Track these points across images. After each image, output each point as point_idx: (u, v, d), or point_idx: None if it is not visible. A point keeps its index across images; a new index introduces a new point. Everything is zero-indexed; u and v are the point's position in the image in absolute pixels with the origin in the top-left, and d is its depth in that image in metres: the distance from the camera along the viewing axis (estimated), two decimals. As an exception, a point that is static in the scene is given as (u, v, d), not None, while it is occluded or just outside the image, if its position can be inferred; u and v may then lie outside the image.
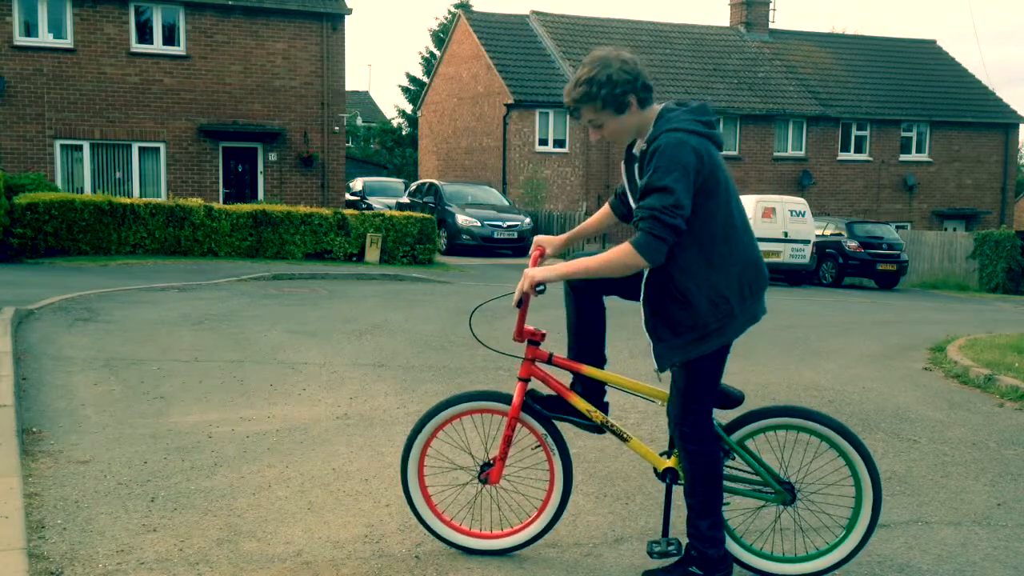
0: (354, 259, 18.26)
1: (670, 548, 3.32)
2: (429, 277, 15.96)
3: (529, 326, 3.42)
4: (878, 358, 9.05)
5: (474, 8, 37.95)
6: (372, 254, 18.24)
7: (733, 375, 7.61)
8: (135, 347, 7.56)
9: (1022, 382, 7.29)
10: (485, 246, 22.05)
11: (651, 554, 3.33)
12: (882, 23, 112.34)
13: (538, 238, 3.52)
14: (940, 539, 4.00)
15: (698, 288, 3.12)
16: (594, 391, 3.52)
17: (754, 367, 8.01)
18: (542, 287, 3.15)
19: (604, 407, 3.53)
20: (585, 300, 3.46)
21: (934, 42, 37.92)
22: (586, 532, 3.89)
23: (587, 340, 3.50)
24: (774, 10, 35.61)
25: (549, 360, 3.44)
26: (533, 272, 3.14)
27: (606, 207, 3.63)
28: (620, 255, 3.04)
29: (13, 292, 10.29)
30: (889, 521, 4.17)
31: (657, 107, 3.20)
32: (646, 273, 3.22)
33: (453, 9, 43.41)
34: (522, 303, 3.25)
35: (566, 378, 3.54)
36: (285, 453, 4.82)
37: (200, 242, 17.26)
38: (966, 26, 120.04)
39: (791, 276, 21.10)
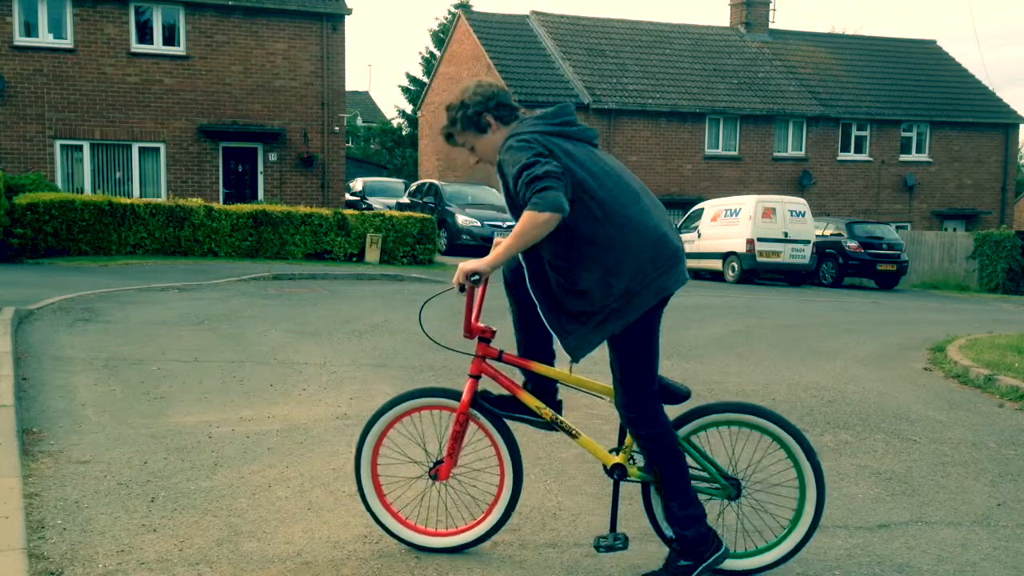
0: (354, 259, 18.26)
1: (616, 543, 3.35)
2: (429, 277, 15.96)
3: (481, 323, 3.44)
4: (878, 358, 9.05)
5: (474, 8, 37.94)
6: (372, 254, 18.24)
7: (733, 375, 7.64)
8: (135, 347, 7.56)
9: (1022, 382, 7.29)
10: (485, 246, 21.99)
11: (597, 548, 3.36)
12: (882, 23, 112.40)
13: (497, 240, 3.53)
14: (940, 539, 4.00)
15: (588, 273, 3.17)
16: (545, 389, 3.54)
17: (754, 367, 8.01)
18: (476, 276, 3.18)
19: (557, 405, 3.56)
20: (520, 293, 3.48)
21: (934, 42, 37.90)
22: (586, 532, 3.88)
23: (532, 335, 3.51)
24: (774, 10, 35.60)
25: (499, 357, 3.47)
26: (464, 264, 3.18)
27: None
28: (526, 221, 3.04)
29: (13, 292, 10.29)
30: (889, 521, 4.17)
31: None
32: (527, 272, 3.30)
33: (453, 9, 43.42)
34: (464, 293, 3.27)
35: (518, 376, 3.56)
36: (285, 453, 4.82)
37: (200, 242, 17.26)
38: (966, 26, 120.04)
39: (791, 276, 21.11)
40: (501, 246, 3.14)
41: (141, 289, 11.58)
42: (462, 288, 3.23)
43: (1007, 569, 3.70)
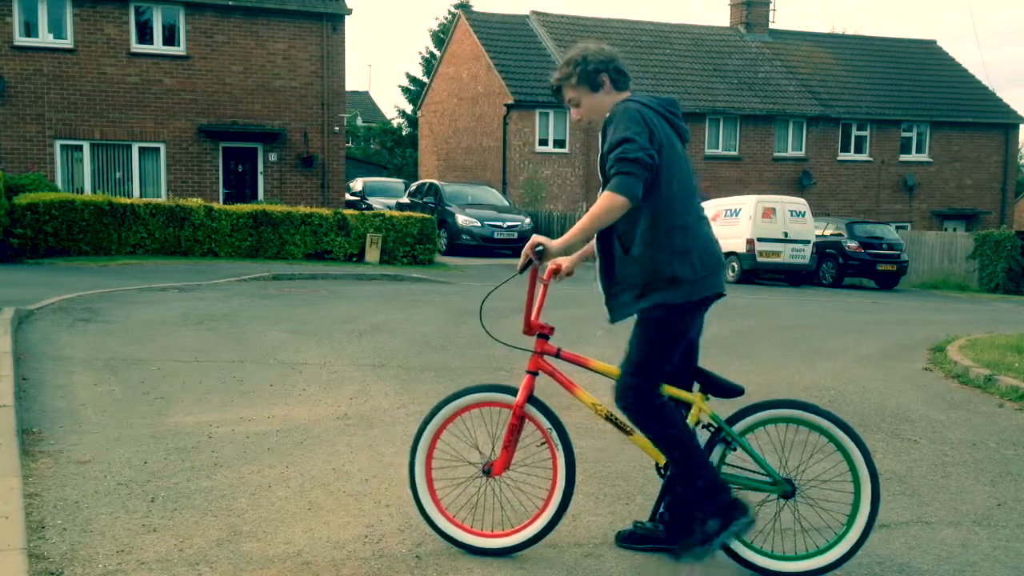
0: (354, 259, 18.26)
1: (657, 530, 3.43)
2: (429, 277, 15.96)
3: (539, 321, 3.46)
4: (878, 358, 9.05)
5: (474, 8, 37.94)
6: (372, 254, 18.24)
7: (734, 375, 7.60)
8: (135, 347, 7.56)
9: (1022, 382, 7.29)
10: (485, 246, 22.05)
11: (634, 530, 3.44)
12: (882, 23, 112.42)
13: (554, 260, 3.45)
14: (940, 539, 4.00)
15: (645, 247, 3.29)
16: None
17: (754, 367, 8.01)
18: (541, 248, 3.27)
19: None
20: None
21: (934, 42, 37.90)
22: (586, 532, 3.88)
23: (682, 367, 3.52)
24: (774, 10, 35.61)
25: (557, 354, 3.48)
26: (536, 236, 3.30)
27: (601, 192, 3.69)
28: (601, 203, 3.21)
29: (13, 292, 10.29)
30: (889, 521, 4.17)
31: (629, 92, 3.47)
32: (600, 232, 3.40)
33: (453, 9, 43.40)
34: (527, 272, 3.35)
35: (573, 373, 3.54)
36: (285, 453, 4.82)
37: (200, 242, 17.27)
38: (966, 26, 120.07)
39: (791, 276, 21.10)
40: (573, 232, 3.23)
41: (141, 289, 11.58)
42: (527, 264, 3.31)
43: (1007, 569, 3.70)
